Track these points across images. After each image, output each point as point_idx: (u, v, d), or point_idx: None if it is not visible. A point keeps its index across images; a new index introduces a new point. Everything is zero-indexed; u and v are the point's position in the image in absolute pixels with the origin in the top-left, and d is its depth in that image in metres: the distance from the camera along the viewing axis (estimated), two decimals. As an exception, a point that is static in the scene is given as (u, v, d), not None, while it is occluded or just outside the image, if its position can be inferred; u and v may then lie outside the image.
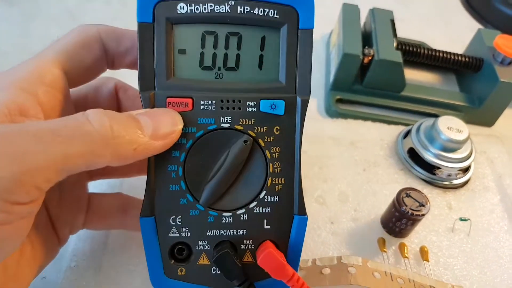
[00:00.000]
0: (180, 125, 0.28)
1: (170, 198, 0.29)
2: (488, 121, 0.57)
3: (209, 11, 0.28)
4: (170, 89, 0.28)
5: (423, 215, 0.39)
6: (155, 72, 0.28)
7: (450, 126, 0.45)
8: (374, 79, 0.54)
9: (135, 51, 0.30)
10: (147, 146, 0.26)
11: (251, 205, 0.30)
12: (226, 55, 0.29)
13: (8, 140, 0.22)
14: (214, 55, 0.29)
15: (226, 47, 0.29)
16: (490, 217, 0.45)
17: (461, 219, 0.43)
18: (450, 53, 0.58)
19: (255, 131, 0.29)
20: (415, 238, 0.42)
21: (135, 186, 0.41)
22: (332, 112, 0.55)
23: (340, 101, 0.56)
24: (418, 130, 0.48)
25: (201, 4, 0.28)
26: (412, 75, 0.61)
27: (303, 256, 0.39)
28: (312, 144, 0.49)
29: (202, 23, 0.28)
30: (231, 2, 0.28)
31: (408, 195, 0.39)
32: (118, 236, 0.39)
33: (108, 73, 0.34)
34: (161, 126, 0.27)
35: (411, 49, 0.57)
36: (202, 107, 0.29)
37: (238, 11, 0.28)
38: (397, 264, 0.40)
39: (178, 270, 0.30)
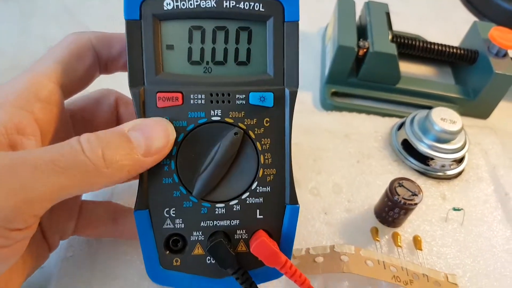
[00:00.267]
0: (172, 136, 0.29)
1: (163, 191, 0.30)
2: (483, 113, 0.58)
3: (195, 6, 0.29)
4: (159, 84, 0.29)
5: (415, 204, 0.40)
6: (144, 68, 0.29)
7: (444, 117, 0.47)
8: (369, 71, 0.56)
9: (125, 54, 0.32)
10: (141, 165, 0.28)
11: (244, 196, 0.31)
12: (214, 50, 0.30)
13: (10, 171, 0.23)
14: (202, 49, 0.30)
15: (214, 41, 0.30)
16: (484, 207, 0.46)
17: (454, 209, 0.44)
18: (445, 45, 0.59)
19: (245, 123, 0.30)
20: (408, 228, 0.43)
21: (126, 192, 0.43)
22: (327, 105, 0.56)
23: (335, 94, 0.58)
24: (412, 122, 0.49)
25: (187, 0, 0.29)
26: (408, 68, 0.62)
27: (297, 246, 0.40)
28: (307, 136, 0.51)
29: (188, 18, 0.29)
30: None
31: (400, 185, 0.40)
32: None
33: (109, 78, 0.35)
34: (154, 142, 0.28)
35: (406, 41, 0.58)
36: (192, 101, 0.30)
37: (224, 6, 0.29)
38: (390, 253, 0.41)
39: (174, 261, 0.32)
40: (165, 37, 0.29)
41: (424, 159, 0.48)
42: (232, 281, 0.32)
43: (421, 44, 0.59)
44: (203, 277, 0.32)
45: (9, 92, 0.28)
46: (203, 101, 0.30)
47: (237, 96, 0.30)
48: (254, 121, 0.31)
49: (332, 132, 0.52)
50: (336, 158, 0.49)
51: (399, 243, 0.41)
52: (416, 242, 0.42)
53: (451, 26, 0.74)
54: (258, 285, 0.32)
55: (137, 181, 0.30)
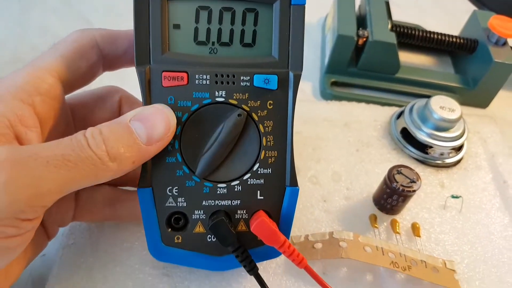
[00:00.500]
0: (173, 123, 0.30)
1: (167, 170, 0.32)
2: (482, 102, 0.60)
3: None
4: (165, 63, 0.31)
5: (414, 191, 0.41)
6: (150, 47, 0.30)
7: (443, 106, 0.48)
8: (368, 61, 0.57)
9: (132, 51, 0.32)
10: (144, 154, 0.29)
11: (245, 177, 0.33)
12: (220, 30, 0.31)
13: (23, 166, 0.25)
14: (208, 30, 0.31)
15: (220, 22, 0.31)
16: (482, 195, 0.48)
17: (452, 197, 0.46)
18: (444, 34, 0.60)
19: (249, 105, 0.32)
20: (407, 215, 0.45)
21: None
22: (327, 94, 0.58)
23: (335, 84, 0.59)
24: (411, 110, 0.51)
25: None
26: (408, 57, 0.64)
27: (296, 233, 0.42)
28: (307, 125, 0.52)
29: None
30: None
31: (399, 172, 0.42)
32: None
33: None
34: (155, 130, 0.29)
35: (406, 31, 0.60)
36: (197, 81, 0.31)
37: None
38: (388, 239, 0.42)
39: (175, 238, 0.33)
40: (172, 17, 0.31)
41: (423, 147, 0.49)
42: (231, 259, 0.33)
43: (420, 33, 0.60)
44: (203, 255, 0.34)
45: (10, 85, 0.29)
46: (208, 82, 0.31)
47: (241, 77, 0.31)
48: (258, 103, 0.32)
49: (331, 121, 0.53)
50: (335, 147, 0.51)
51: (397, 230, 0.43)
52: (415, 229, 0.43)
53: (451, 16, 0.76)
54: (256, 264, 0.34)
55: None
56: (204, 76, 0.31)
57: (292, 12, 0.31)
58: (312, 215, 0.44)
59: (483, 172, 0.50)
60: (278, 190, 0.33)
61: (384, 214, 0.44)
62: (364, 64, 0.58)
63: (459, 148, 0.50)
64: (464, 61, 0.62)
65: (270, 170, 0.33)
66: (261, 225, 0.32)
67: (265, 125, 0.32)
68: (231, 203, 0.33)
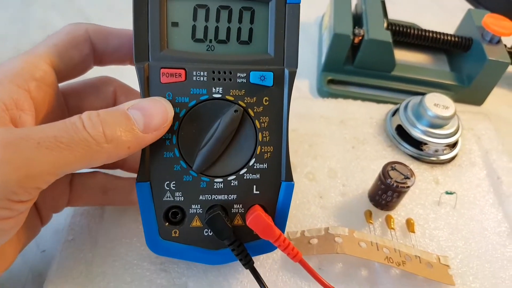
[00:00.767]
0: (170, 114, 0.31)
1: (164, 164, 0.33)
2: (477, 99, 0.61)
3: None
4: (163, 60, 0.32)
5: (408, 187, 0.42)
6: (149, 44, 0.31)
7: (437, 103, 0.49)
8: (364, 59, 0.58)
9: (123, 49, 0.34)
10: (140, 141, 0.30)
11: (242, 172, 0.34)
12: (217, 28, 0.32)
13: (15, 147, 0.26)
14: (206, 28, 0.32)
15: (217, 20, 0.32)
16: (476, 191, 0.49)
17: (447, 193, 0.47)
18: (439, 33, 0.62)
19: (245, 101, 0.33)
20: (401, 211, 0.46)
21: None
22: (324, 92, 0.59)
23: (331, 81, 0.60)
24: (406, 108, 0.52)
25: None
26: (404, 55, 0.65)
27: (293, 228, 0.43)
28: (303, 122, 0.53)
29: None
30: None
31: (393, 168, 0.43)
32: (114, 210, 0.42)
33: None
34: (152, 119, 0.30)
35: (401, 29, 0.61)
36: (194, 78, 0.32)
37: None
38: (383, 235, 0.43)
39: (172, 232, 0.34)
40: (170, 14, 0.32)
41: (417, 144, 0.50)
42: (227, 253, 0.34)
43: (416, 31, 0.62)
44: (200, 248, 0.35)
45: (6, 71, 0.30)
46: (205, 78, 0.32)
47: (238, 74, 0.32)
48: (254, 100, 0.33)
49: (327, 118, 0.54)
50: (331, 143, 0.52)
51: (392, 226, 0.43)
52: (409, 225, 0.44)
53: (447, 14, 0.77)
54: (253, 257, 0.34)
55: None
56: (202, 73, 0.32)
57: (287, 10, 0.32)
58: (308, 211, 0.45)
59: (477, 168, 0.51)
60: (274, 185, 0.34)
61: (379, 210, 0.45)
62: (360, 62, 0.59)
63: (453, 145, 0.51)
64: (459, 59, 0.63)
65: (266, 165, 0.34)
66: (257, 219, 0.32)
67: (261, 121, 0.33)
68: (227, 197, 0.34)
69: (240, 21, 0.32)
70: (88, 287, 0.37)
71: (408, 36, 0.62)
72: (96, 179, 0.39)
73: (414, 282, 0.40)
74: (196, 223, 0.34)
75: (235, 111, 0.32)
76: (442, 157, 0.50)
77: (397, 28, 0.61)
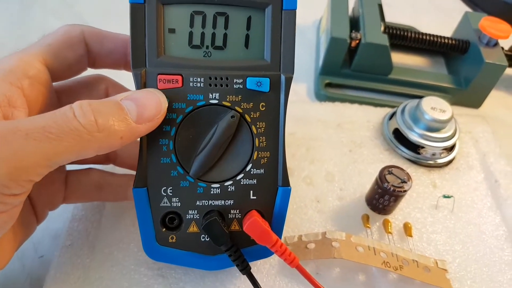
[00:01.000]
0: (164, 105, 0.31)
1: (161, 170, 0.33)
2: (475, 102, 0.61)
3: None
4: (160, 66, 0.32)
5: (405, 191, 0.43)
6: (146, 50, 0.32)
7: (434, 106, 0.50)
8: (361, 62, 0.59)
9: (117, 53, 0.34)
10: (133, 132, 0.29)
11: (238, 177, 0.34)
12: (214, 34, 0.33)
13: (2, 139, 0.25)
14: (203, 34, 0.32)
15: (214, 26, 0.32)
16: (474, 195, 0.49)
17: (444, 196, 0.48)
18: (437, 36, 0.62)
19: (242, 107, 0.33)
20: (399, 215, 0.46)
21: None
22: (321, 95, 0.59)
23: (329, 85, 0.61)
24: (403, 111, 0.53)
25: None
26: (401, 58, 0.66)
27: (290, 233, 0.43)
28: (301, 126, 0.53)
29: (191, 3, 0.32)
30: None
31: (390, 172, 0.43)
32: (111, 215, 0.43)
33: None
34: (146, 110, 0.30)
35: (398, 32, 0.62)
36: (191, 84, 0.32)
37: None
38: (380, 239, 0.44)
39: (169, 238, 0.35)
40: (167, 21, 0.32)
41: (415, 147, 0.51)
42: (224, 259, 0.35)
43: (413, 35, 0.62)
44: (197, 254, 0.35)
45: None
46: (202, 84, 0.33)
47: (234, 80, 0.33)
48: (251, 105, 0.33)
49: (325, 122, 0.55)
50: (328, 147, 0.52)
51: (389, 230, 0.44)
52: (407, 229, 0.45)
53: (445, 17, 0.77)
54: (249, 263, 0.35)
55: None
56: (198, 79, 0.32)
57: (283, 17, 0.33)
58: (305, 215, 0.45)
59: (475, 171, 0.52)
60: (271, 190, 0.35)
61: (377, 214, 0.46)
62: (358, 66, 0.59)
63: (451, 148, 0.52)
64: (456, 62, 0.64)
65: (262, 171, 0.34)
66: (254, 224, 0.33)
67: (257, 126, 0.34)
68: (224, 203, 0.34)
69: (236, 27, 0.33)
70: (86, 292, 0.38)
71: (405, 39, 0.62)
72: (90, 176, 0.40)
73: (412, 286, 0.40)
74: (193, 228, 0.35)
75: (232, 116, 0.33)
76: (440, 161, 0.51)
77: (394, 31, 0.61)
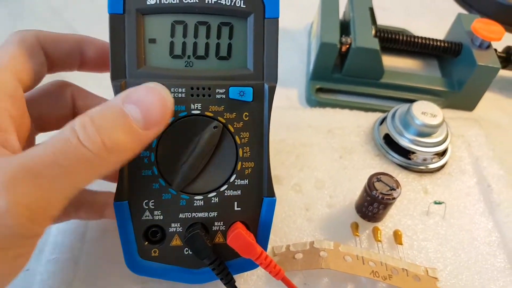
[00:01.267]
0: (170, 101, 0.29)
1: (143, 183, 0.33)
2: (468, 105, 0.61)
3: (178, 1, 0.31)
4: (141, 77, 0.32)
5: (393, 198, 0.42)
6: (126, 61, 0.32)
7: (425, 111, 0.50)
8: (352, 67, 0.59)
9: (73, 54, 0.34)
10: (143, 139, 0.28)
11: (222, 188, 0.34)
12: (195, 44, 0.33)
13: (14, 182, 0.24)
14: (184, 44, 0.32)
15: (195, 36, 0.32)
16: (466, 200, 0.49)
17: (435, 203, 0.47)
18: (429, 38, 0.62)
19: (225, 117, 0.33)
20: (389, 222, 0.46)
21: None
22: (312, 101, 0.59)
23: (320, 90, 0.61)
24: (393, 116, 0.53)
25: None
26: (394, 62, 0.66)
27: (278, 243, 0.43)
28: (291, 132, 0.53)
29: (171, 13, 0.32)
30: None
31: (378, 180, 0.43)
32: (96, 228, 0.43)
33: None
34: (151, 112, 0.28)
35: (390, 36, 0.62)
36: (172, 94, 0.32)
37: (206, 1, 0.32)
38: (370, 248, 0.43)
39: (152, 252, 0.35)
40: (147, 31, 0.32)
41: (405, 153, 0.51)
42: (209, 272, 0.35)
43: (404, 38, 0.62)
44: (180, 268, 0.35)
45: None
46: (183, 95, 0.32)
47: (217, 90, 0.33)
48: (234, 115, 0.33)
49: (315, 128, 0.55)
50: (319, 153, 0.52)
51: (379, 238, 0.44)
52: (396, 237, 0.44)
53: (439, 19, 0.77)
54: (234, 276, 0.35)
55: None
56: (180, 89, 0.32)
57: (266, 25, 0.33)
58: (294, 224, 0.45)
59: (467, 176, 0.52)
60: (256, 201, 0.35)
61: (367, 222, 0.46)
62: (348, 71, 0.59)
63: (442, 153, 0.52)
64: (449, 64, 0.64)
65: (247, 181, 0.34)
66: (237, 237, 0.33)
67: (241, 136, 0.34)
68: (208, 215, 0.34)
69: (218, 36, 0.33)
70: (70, 307, 0.37)
71: (397, 42, 0.62)
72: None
73: (402, 296, 0.40)
74: (176, 241, 0.35)
75: (215, 127, 0.33)
76: (431, 166, 0.51)
77: (386, 35, 0.61)
